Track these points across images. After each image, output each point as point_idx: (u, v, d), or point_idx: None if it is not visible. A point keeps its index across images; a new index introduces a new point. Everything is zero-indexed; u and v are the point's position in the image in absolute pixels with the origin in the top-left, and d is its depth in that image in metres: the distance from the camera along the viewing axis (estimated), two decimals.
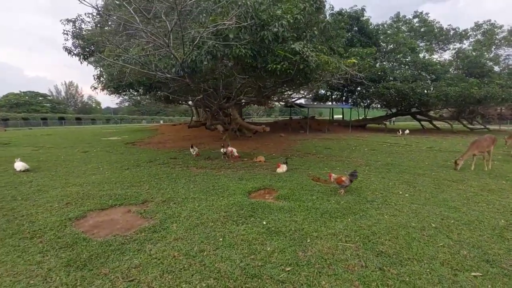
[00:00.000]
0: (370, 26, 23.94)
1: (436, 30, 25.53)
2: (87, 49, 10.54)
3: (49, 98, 58.22)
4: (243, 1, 4.84)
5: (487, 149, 7.47)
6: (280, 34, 5.36)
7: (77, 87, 71.85)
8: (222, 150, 8.08)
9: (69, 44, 10.78)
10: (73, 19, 10.16)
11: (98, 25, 8.33)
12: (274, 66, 5.98)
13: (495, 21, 24.71)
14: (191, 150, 8.84)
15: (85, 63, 11.74)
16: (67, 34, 10.14)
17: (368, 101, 26.15)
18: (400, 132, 19.27)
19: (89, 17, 9.99)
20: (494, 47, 25.01)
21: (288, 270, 2.62)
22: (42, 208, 4.22)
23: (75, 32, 10.15)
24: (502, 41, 24.88)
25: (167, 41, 5.07)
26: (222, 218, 3.83)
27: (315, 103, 28.66)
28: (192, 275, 2.53)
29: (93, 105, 73.37)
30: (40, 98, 54.55)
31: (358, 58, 8.32)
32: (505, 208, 4.38)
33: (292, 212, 4.06)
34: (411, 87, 18.92)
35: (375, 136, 18.27)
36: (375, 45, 22.52)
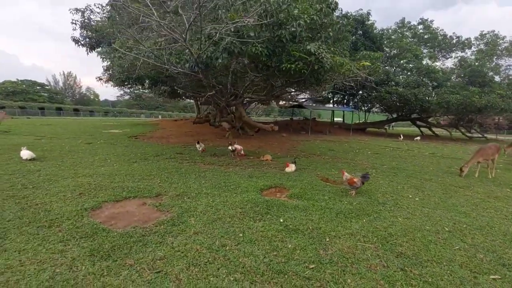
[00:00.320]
0: (375, 31, 24.07)
1: (440, 37, 25.78)
2: (95, 40, 10.43)
3: (47, 87, 57.53)
4: None
5: (492, 157, 7.59)
6: (297, 34, 5.37)
7: (75, 77, 71.14)
8: (230, 148, 8.07)
9: (76, 34, 10.70)
10: (82, 9, 10.08)
11: (109, 16, 8.23)
12: (288, 65, 6.00)
13: (498, 31, 25.09)
14: (197, 146, 8.82)
15: (91, 54, 11.61)
16: (75, 24, 10.04)
17: (369, 105, 26.30)
18: (402, 137, 19.45)
19: (98, 7, 9.91)
20: (495, 57, 25.33)
21: (312, 268, 2.64)
22: (56, 197, 4.19)
23: (84, 22, 10.03)
24: (504, 52, 25.23)
25: (184, 36, 5.05)
26: (239, 214, 3.84)
27: (314, 105, 28.72)
28: (218, 269, 2.54)
29: (92, 97, 72.70)
30: (38, 87, 53.90)
31: (368, 61, 8.40)
32: None
33: (307, 211, 4.09)
34: (414, 93, 19.09)
35: (376, 140, 18.41)
36: (379, 49, 22.65)
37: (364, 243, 3.20)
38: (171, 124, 21.22)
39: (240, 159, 8.13)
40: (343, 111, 28.38)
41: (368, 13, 22.69)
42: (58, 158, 7.06)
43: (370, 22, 23.45)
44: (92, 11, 10.22)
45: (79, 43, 10.71)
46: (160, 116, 56.53)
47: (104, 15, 9.97)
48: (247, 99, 12.03)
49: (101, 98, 77.50)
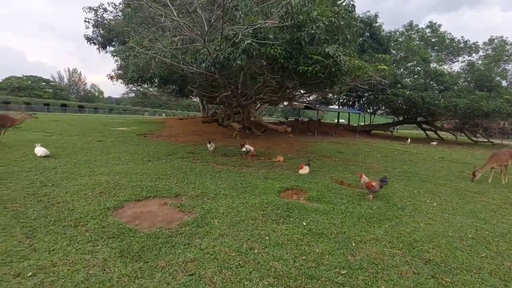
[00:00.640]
0: (382, 33, 23.96)
1: (447, 41, 25.65)
2: (107, 39, 10.44)
3: (52, 84, 57.77)
4: (288, 0, 4.82)
5: (506, 162, 7.54)
6: (316, 36, 5.35)
7: (80, 74, 71.46)
8: (244, 149, 8.07)
9: (89, 32, 10.72)
10: (95, 8, 10.10)
11: (126, 14, 8.22)
12: (306, 68, 5.98)
13: (506, 37, 24.94)
14: (208, 145, 8.82)
15: (96, 52, 11.62)
16: (88, 22, 10.07)
17: (375, 107, 26.20)
18: (409, 140, 19.34)
19: (112, 6, 9.93)
20: (502, 62, 25.18)
21: (344, 273, 2.63)
22: (76, 196, 4.19)
23: (97, 21, 10.05)
24: (511, 57, 25.06)
25: (204, 36, 5.04)
26: (261, 217, 3.83)
27: (324, 106, 28.63)
28: (250, 273, 2.54)
29: (96, 94, 72.96)
30: (43, 84, 54.08)
31: (383, 64, 8.38)
32: None
33: (328, 214, 4.07)
34: (421, 96, 19.00)
35: (383, 142, 18.34)
36: (386, 51, 22.55)
37: (390, 249, 3.18)
38: (177, 122, 21.24)
39: (251, 160, 8.13)
40: (349, 113, 28.28)
41: (376, 15, 22.59)
42: (71, 156, 7.07)
43: (377, 24, 23.35)
44: (105, 10, 10.26)
45: (92, 41, 10.74)
46: (163, 114, 56.62)
47: (117, 13, 9.99)
48: (259, 100, 12.01)
49: (105, 95, 77.87)
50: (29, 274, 2.33)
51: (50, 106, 45.32)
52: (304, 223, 3.69)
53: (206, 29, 5.04)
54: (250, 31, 5.34)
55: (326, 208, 4.32)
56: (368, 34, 23.06)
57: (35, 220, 3.32)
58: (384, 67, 7.89)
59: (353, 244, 3.23)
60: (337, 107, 28.32)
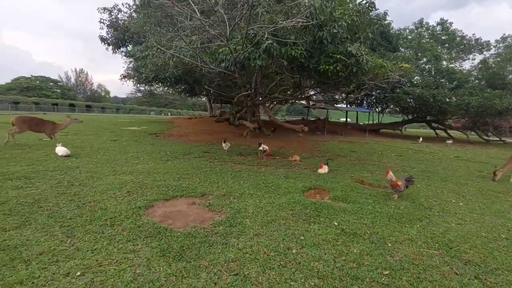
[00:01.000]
0: (391, 31, 23.72)
1: (458, 39, 25.27)
2: (121, 39, 10.50)
3: (59, 84, 58.46)
4: (311, 2, 4.80)
5: None
6: (339, 35, 5.32)
7: (87, 74, 72.21)
8: (261, 148, 8.08)
9: (103, 33, 10.80)
10: (109, 8, 10.18)
11: (145, 13, 8.24)
12: (327, 67, 5.95)
13: None
14: (223, 145, 8.84)
15: (102, 51, 11.68)
16: (103, 23, 10.15)
17: (384, 105, 25.96)
18: (421, 139, 19.09)
19: (126, 7, 9.98)
20: None
21: (387, 274, 2.61)
22: (105, 195, 4.23)
23: (112, 22, 10.11)
24: None
25: (227, 35, 5.04)
26: (291, 216, 3.82)
27: (337, 105, 28.47)
28: (294, 273, 2.53)
29: (102, 94, 73.65)
30: (51, 84, 54.75)
31: (404, 62, 8.26)
32: None
33: (357, 214, 4.05)
34: (433, 94, 18.76)
35: (394, 141, 18.18)
36: (395, 49, 22.31)
37: (427, 250, 3.15)
38: (186, 122, 21.33)
39: (267, 159, 8.13)
40: (357, 112, 28.09)
41: (385, 13, 22.37)
42: (91, 155, 7.15)
43: (387, 22, 23.11)
44: (120, 10, 10.32)
45: (106, 42, 10.83)
46: (169, 114, 56.94)
47: (133, 14, 10.03)
48: (273, 98, 11.96)
49: (111, 95, 78.57)
50: (78, 274, 2.35)
51: (58, 106, 45.87)
52: (336, 223, 3.68)
53: (229, 28, 5.04)
54: (271, 31, 5.32)
55: (354, 208, 4.30)
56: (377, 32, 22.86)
57: (71, 219, 3.35)
58: (407, 65, 7.80)
59: (389, 245, 3.20)
60: (344, 105, 28.16)
